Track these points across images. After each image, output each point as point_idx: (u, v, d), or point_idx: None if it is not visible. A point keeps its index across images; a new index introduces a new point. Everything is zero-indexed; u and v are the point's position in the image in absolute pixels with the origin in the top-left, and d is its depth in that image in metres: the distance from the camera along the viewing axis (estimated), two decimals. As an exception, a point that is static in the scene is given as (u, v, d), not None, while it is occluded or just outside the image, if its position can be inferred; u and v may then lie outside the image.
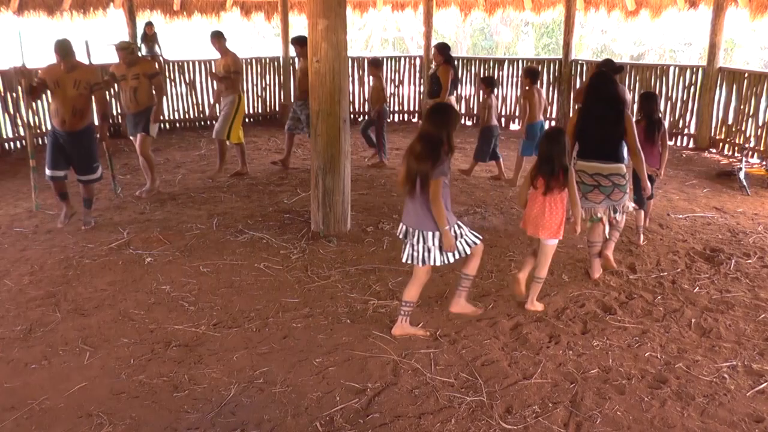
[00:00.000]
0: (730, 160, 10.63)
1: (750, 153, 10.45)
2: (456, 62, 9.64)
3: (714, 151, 11.25)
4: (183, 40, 21.51)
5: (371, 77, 10.46)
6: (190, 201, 8.02)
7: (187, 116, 13.57)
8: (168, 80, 13.55)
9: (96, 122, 7.25)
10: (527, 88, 8.91)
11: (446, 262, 4.55)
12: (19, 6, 12.59)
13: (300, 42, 9.37)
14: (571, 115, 10.54)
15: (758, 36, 23.48)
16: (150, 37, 13.49)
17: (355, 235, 6.75)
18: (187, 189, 8.59)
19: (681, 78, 11.77)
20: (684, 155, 10.99)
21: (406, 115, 14.49)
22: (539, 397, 3.97)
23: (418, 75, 14.33)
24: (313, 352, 4.47)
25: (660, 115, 6.91)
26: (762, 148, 10.42)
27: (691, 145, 11.67)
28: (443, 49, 9.55)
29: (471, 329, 4.79)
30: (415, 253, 4.54)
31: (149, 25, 13.57)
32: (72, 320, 4.97)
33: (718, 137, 11.29)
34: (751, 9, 11.21)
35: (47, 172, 6.83)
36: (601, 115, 5.43)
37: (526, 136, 8.70)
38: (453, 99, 9.57)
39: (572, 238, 6.56)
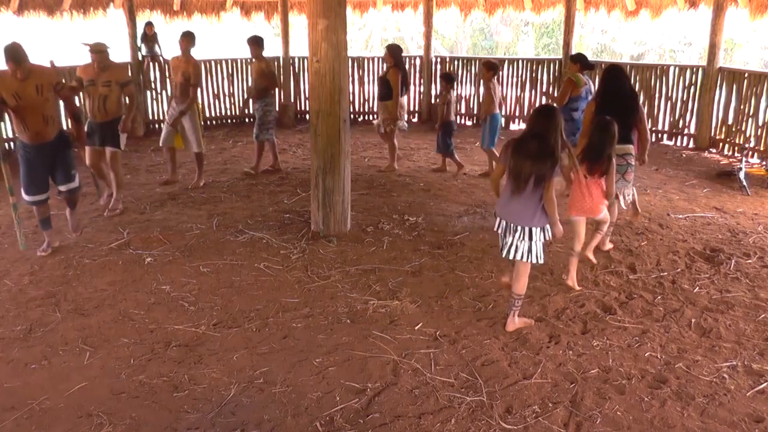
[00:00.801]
0: (730, 160, 10.62)
1: (750, 153, 10.45)
2: (456, 62, 9.55)
3: (714, 151, 11.24)
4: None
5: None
6: (190, 201, 8.02)
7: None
8: (168, 80, 13.55)
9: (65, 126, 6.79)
10: (488, 81, 9.02)
11: (540, 262, 4.67)
12: (19, 6, 12.59)
13: (255, 42, 9.27)
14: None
15: (758, 36, 23.48)
16: (150, 37, 13.48)
17: (355, 235, 6.75)
18: (186, 189, 8.58)
19: (681, 78, 11.76)
20: (684, 155, 10.99)
21: (405, 115, 14.45)
22: (539, 397, 3.97)
23: (418, 75, 14.32)
24: (313, 352, 4.47)
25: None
26: (762, 148, 10.41)
27: (691, 145, 11.67)
28: (394, 51, 9.43)
29: (471, 329, 4.79)
30: (520, 249, 4.62)
31: (149, 25, 13.57)
32: (72, 320, 4.98)
33: (718, 137, 11.29)
34: (751, 9, 11.20)
35: (26, 197, 6.16)
36: (618, 105, 5.78)
37: (490, 127, 8.99)
38: (404, 100, 9.54)
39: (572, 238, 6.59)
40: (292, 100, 13.93)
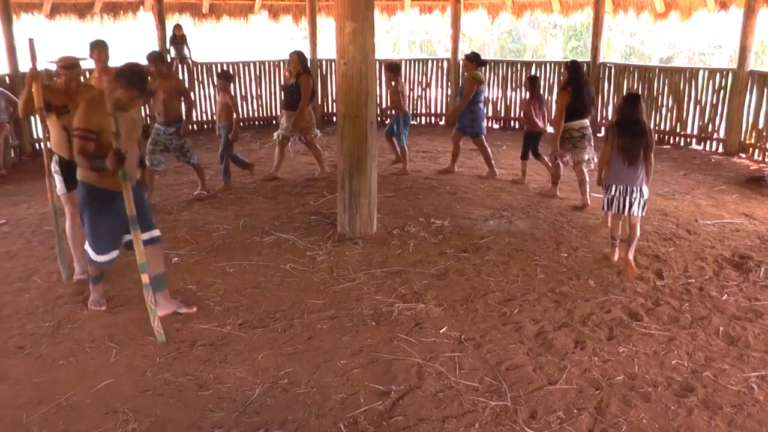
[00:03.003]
0: (760, 165, 10.48)
1: (781, 158, 10.32)
2: (484, 66, 9.53)
3: (743, 156, 11.10)
4: (211, 42, 21.70)
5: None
6: (217, 202, 8.08)
7: (214, 118, 13.66)
8: (196, 82, 13.68)
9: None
10: (394, 82, 9.45)
11: (642, 213, 6.06)
12: (51, 10, 12.78)
13: (155, 59, 8.06)
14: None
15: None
16: (179, 40, 13.62)
17: (380, 237, 6.76)
18: (214, 190, 8.64)
19: (710, 81, 11.62)
20: (713, 160, 10.87)
21: (432, 118, 14.48)
22: (564, 403, 3.94)
23: (445, 78, 14.32)
24: (337, 354, 4.48)
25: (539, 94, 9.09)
26: (793, 154, 10.28)
27: (720, 149, 11.53)
28: (303, 57, 9.10)
29: (496, 333, 4.77)
30: (635, 205, 5.94)
31: (178, 27, 13.71)
32: (99, 318, 5.03)
33: (747, 142, 11.13)
34: (783, 11, 11.07)
35: (102, 258, 4.96)
36: (580, 92, 7.78)
37: (404, 124, 9.63)
38: (310, 108, 9.25)
39: (599, 243, 6.55)
40: (320, 102, 13.96)
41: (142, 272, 4.71)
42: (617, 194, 5.96)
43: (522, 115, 9.92)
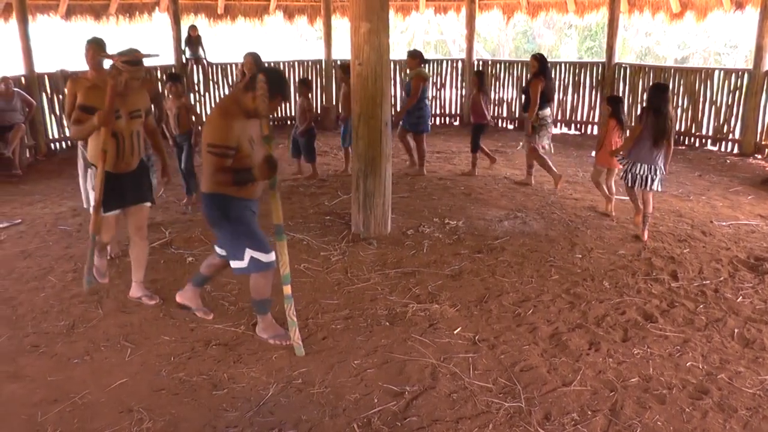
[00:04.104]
0: (777, 166, 10.42)
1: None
2: (498, 65, 9.61)
3: (759, 157, 11.03)
4: (226, 43, 21.76)
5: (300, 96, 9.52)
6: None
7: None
8: (211, 83, 13.74)
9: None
10: (345, 84, 9.29)
11: (660, 188, 6.84)
12: (66, 11, 12.86)
13: (174, 79, 7.96)
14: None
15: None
16: (194, 41, 13.67)
17: (395, 237, 6.76)
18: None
19: (726, 82, 11.56)
20: (728, 161, 10.81)
21: (447, 119, 14.47)
22: (578, 404, 3.93)
23: (459, 78, 14.31)
24: (351, 354, 4.49)
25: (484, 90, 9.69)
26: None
27: (735, 150, 11.47)
28: (259, 61, 8.49)
29: (510, 334, 4.77)
30: (654, 181, 6.68)
31: (193, 28, 13.75)
32: (114, 317, 5.06)
33: (763, 143, 11.07)
34: (801, 11, 10.97)
35: (272, 256, 4.63)
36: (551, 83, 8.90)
37: (348, 127, 9.17)
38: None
39: (614, 244, 6.54)
40: (334, 102, 13.98)
41: (285, 283, 4.50)
42: (641, 172, 6.66)
43: (471, 107, 9.99)
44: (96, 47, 5.71)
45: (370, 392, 4.05)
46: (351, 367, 4.33)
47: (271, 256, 4.57)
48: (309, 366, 4.34)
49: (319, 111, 14.14)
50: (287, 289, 4.52)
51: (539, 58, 8.87)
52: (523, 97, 9.23)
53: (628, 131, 7.47)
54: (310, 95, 9.80)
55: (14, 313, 5.14)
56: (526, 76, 13.84)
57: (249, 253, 4.49)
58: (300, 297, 5.38)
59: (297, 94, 9.42)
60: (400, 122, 9.59)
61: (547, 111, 8.75)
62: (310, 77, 14.23)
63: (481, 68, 13.66)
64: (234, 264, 4.57)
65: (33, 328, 4.89)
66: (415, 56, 9.47)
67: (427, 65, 9.94)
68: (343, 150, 9.96)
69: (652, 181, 6.67)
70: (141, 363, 4.40)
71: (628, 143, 6.86)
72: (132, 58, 4.66)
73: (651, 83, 12.34)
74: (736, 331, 4.84)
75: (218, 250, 4.82)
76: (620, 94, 12.69)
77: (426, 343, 4.63)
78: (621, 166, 7.12)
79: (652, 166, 6.64)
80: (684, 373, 4.27)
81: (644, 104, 7.19)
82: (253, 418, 3.80)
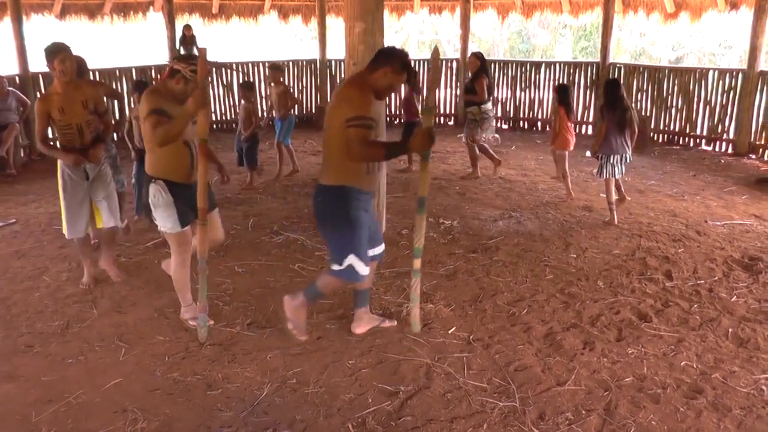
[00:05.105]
0: (771, 166, 10.45)
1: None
2: (493, 65, 9.73)
3: (753, 156, 11.07)
4: (221, 43, 21.75)
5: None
6: (226, 201, 8.09)
7: (223, 118, 13.73)
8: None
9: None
10: (274, 83, 9.44)
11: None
12: (61, 10, 12.83)
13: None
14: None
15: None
16: (188, 40, 13.66)
17: (390, 238, 6.74)
18: (222, 190, 8.65)
19: (720, 82, 11.60)
20: (723, 161, 10.84)
21: (442, 118, 14.47)
22: (572, 404, 3.93)
23: (454, 78, 14.32)
24: (346, 354, 4.48)
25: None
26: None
27: (730, 150, 11.50)
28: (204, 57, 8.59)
29: (504, 334, 4.77)
30: (621, 169, 7.34)
31: (188, 28, 13.75)
32: (108, 317, 5.05)
33: (757, 142, 11.10)
34: (795, 10, 11.00)
35: (367, 270, 4.47)
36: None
37: (288, 125, 9.55)
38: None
39: (608, 244, 6.55)
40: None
41: (416, 257, 4.53)
42: (615, 162, 7.23)
43: (403, 106, 10.24)
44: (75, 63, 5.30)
45: (365, 392, 4.05)
46: (345, 366, 4.33)
47: (367, 270, 4.41)
48: (303, 366, 4.34)
49: (313, 111, 14.15)
50: (417, 263, 4.57)
51: (480, 57, 9.37)
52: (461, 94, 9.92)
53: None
54: (254, 99, 9.55)
55: (8, 313, 5.13)
56: (521, 76, 13.91)
57: (351, 259, 4.29)
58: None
59: (240, 99, 9.06)
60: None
61: (490, 105, 9.32)
62: (304, 77, 14.23)
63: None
64: (330, 264, 4.44)
65: (27, 328, 4.88)
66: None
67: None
68: (277, 148, 9.65)
69: (615, 169, 7.27)
70: (135, 363, 4.39)
71: (598, 141, 7.33)
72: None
73: (646, 83, 12.43)
74: (730, 330, 4.85)
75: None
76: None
77: (420, 342, 4.63)
78: (572, 149, 8.42)
79: (624, 156, 7.25)
80: (678, 372, 4.28)
81: (601, 102, 7.59)
82: (247, 418, 3.80)
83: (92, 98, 5.41)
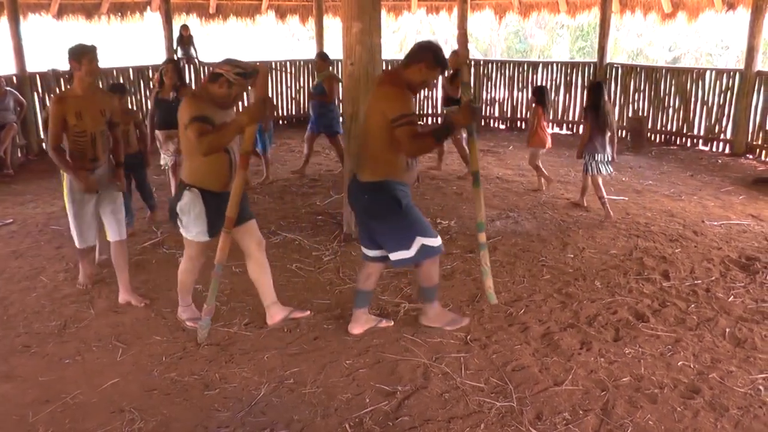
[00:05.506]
0: (768, 166, 10.47)
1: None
2: (490, 65, 9.74)
3: (751, 157, 11.07)
4: (218, 42, 21.74)
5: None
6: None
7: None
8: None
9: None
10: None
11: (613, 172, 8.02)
12: (58, 10, 12.82)
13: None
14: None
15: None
16: (186, 40, 13.66)
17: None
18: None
19: (717, 82, 11.60)
20: (720, 161, 10.85)
21: (438, 119, 14.46)
22: (570, 404, 3.94)
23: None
24: (343, 354, 4.48)
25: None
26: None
27: (727, 150, 11.50)
28: (179, 68, 8.10)
29: (502, 334, 4.77)
30: (607, 167, 7.59)
31: (185, 27, 13.74)
32: (105, 317, 5.05)
33: (755, 143, 11.11)
34: (792, 11, 11.01)
35: (437, 243, 4.57)
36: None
37: (272, 134, 9.62)
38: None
39: (606, 244, 6.55)
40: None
41: (480, 231, 4.55)
42: (600, 160, 7.50)
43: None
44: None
45: (362, 392, 4.05)
46: (343, 366, 4.33)
47: (439, 240, 4.53)
48: (301, 366, 4.34)
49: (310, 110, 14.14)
50: (482, 237, 4.57)
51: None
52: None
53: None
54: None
55: (5, 314, 5.13)
56: (518, 76, 13.92)
57: (419, 241, 4.40)
58: (292, 296, 5.38)
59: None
60: (310, 125, 9.65)
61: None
62: (302, 77, 14.23)
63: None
64: (397, 256, 4.45)
65: (24, 328, 4.87)
66: (324, 58, 9.76)
67: (333, 66, 10.05)
68: (262, 157, 9.30)
69: (601, 168, 7.53)
70: (132, 363, 4.39)
71: (584, 141, 7.61)
72: (243, 71, 4.41)
73: (644, 83, 12.44)
74: (727, 330, 4.86)
75: (369, 252, 4.66)
76: (612, 95, 12.75)
77: (418, 342, 4.63)
78: (548, 147, 8.70)
79: (606, 155, 7.54)
80: (675, 372, 4.28)
81: (585, 103, 8.04)
82: (244, 418, 3.80)
83: (110, 107, 5.21)
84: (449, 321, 4.81)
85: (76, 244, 5.35)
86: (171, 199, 4.67)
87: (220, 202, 4.44)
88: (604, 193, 7.62)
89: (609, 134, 7.54)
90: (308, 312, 5.00)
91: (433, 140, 4.30)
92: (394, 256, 4.47)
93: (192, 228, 4.59)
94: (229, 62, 4.43)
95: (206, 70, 13.74)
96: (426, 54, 4.22)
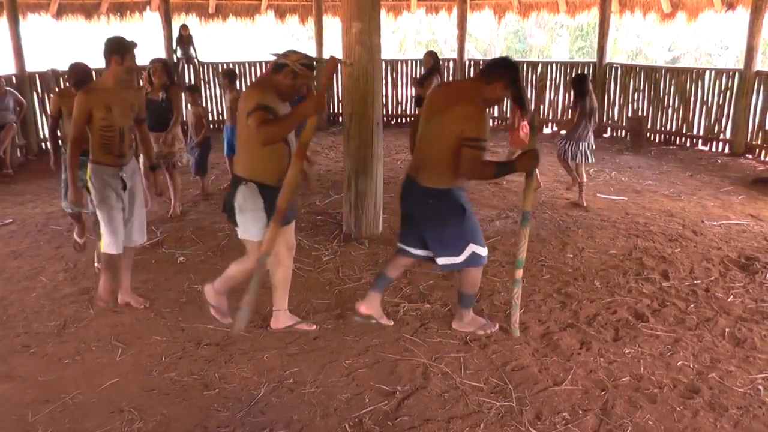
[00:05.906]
0: (767, 166, 10.45)
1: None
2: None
3: (750, 156, 11.08)
4: (218, 42, 21.74)
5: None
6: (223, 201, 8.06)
7: (221, 117, 13.70)
8: (202, 82, 13.71)
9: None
10: (229, 91, 8.80)
11: (593, 160, 8.43)
12: (57, 10, 12.82)
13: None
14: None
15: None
16: (185, 40, 13.65)
17: (386, 237, 6.75)
18: (220, 189, 8.66)
19: (717, 82, 11.61)
20: (719, 161, 10.85)
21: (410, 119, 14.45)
22: (569, 404, 3.94)
23: (451, 78, 14.30)
24: (343, 354, 4.48)
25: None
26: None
27: (726, 150, 11.51)
28: (169, 67, 7.69)
29: (501, 334, 4.77)
30: (585, 155, 8.01)
31: (184, 27, 13.73)
32: (105, 317, 5.04)
33: (754, 143, 11.11)
34: (791, 11, 11.01)
35: (485, 252, 4.65)
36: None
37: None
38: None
39: (605, 244, 6.55)
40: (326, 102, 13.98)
41: (519, 268, 4.66)
42: (582, 148, 7.95)
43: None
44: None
45: (362, 392, 4.05)
46: (342, 366, 4.33)
47: (486, 250, 4.62)
48: (300, 366, 4.33)
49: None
50: (519, 273, 4.68)
51: (434, 56, 10.30)
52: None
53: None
54: (200, 101, 8.94)
55: (5, 314, 5.12)
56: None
57: (471, 248, 4.47)
58: (291, 296, 5.34)
59: (187, 103, 8.27)
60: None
61: None
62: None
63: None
64: (445, 260, 4.52)
65: (24, 329, 4.87)
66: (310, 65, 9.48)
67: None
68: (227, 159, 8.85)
69: (587, 155, 7.99)
70: (132, 363, 4.39)
71: (570, 127, 8.15)
72: (309, 61, 4.28)
73: (643, 83, 12.44)
74: (726, 330, 4.86)
75: (414, 251, 4.70)
76: (611, 95, 12.76)
77: (417, 342, 4.63)
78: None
79: (588, 143, 7.97)
80: (675, 372, 4.28)
81: (573, 95, 8.32)
82: (244, 418, 3.80)
83: (139, 103, 5.01)
84: (481, 326, 4.83)
85: (111, 250, 4.93)
86: (226, 195, 4.54)
87: (273, 195, 4.24)
88: (585, 180, 8.17)
89: (593, 121, 8.05)
90: (315, 326, 4.85)
91: (493, 174, 4.43)
92: (442, 260, 4.52)
93: (251, 227, 4.43)
94: (294, 52, 4.30)
95: (206, 70, 13.76)
96: (508, 73, 4.24)
